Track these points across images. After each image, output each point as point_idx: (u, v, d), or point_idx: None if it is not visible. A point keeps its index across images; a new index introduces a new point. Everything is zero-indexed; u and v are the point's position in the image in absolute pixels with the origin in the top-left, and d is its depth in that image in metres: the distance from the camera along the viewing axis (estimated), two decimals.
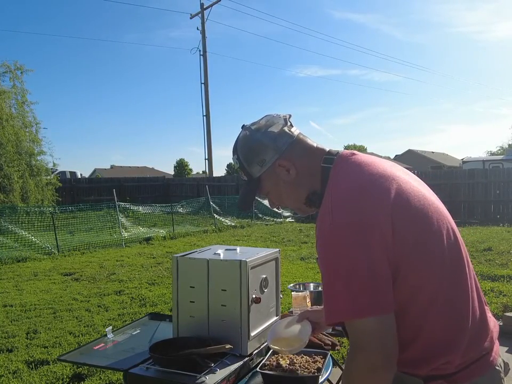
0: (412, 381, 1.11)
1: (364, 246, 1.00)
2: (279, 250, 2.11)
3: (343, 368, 1.09)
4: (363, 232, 1.01)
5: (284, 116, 1.26)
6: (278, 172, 1.21)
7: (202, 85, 23.11)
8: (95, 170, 48.37)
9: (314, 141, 1.26)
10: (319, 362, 1.79)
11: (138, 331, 2.18)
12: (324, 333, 2.07)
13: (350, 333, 1.04)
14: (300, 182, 1.22)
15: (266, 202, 15.61)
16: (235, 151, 1.27)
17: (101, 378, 3.42)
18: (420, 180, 1.23)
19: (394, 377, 1.04)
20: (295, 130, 1.24)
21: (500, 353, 1.17)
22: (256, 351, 1.86)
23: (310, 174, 1.21)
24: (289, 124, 1.24)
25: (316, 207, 1.22)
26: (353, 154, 1.19)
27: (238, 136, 1.27)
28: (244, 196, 1.31)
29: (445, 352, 1.08)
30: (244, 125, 1.28)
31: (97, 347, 1.97)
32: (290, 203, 1.29)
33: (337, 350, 2.06)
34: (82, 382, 3.40)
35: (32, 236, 9.91)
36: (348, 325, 1.04)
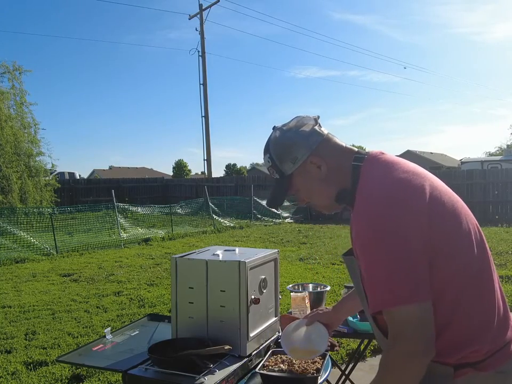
0: (442, 369, 1.14)
1: (404, 237, 1.05)
2: (278, 251, 2.11)
3: (381, 358, 1.14)
4: (402, 224, 1.06)
5: (313, 117, 1.31)
6: (309, 169, 1.25)
7: (201, 85, 23.13)
8: (93, 171, 48.35)
9: (342, 141, 1.31)
10: (318, 363, 1.79)
11: (137, 332, 2.18)
12: None
13: (390, 322, 1.08)
14: (331, 179, 1.26)
15: (264, 203, 15.68)
16: (267, 150, 1.30)
17: (99, 379, 3.42)
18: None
19: None
20: (324, 130, 1.29)
21: None
22: (255, 352, 1.86)
23: (340, 172, 1.25)
24: (318, 123, 1.29)
25: (346, 203, 1.27)
26: (382, 153, 1.25)
27: (269, 136, 1.32)
28: (275, 193, 1.34)
29: (475, 339, 1.13)
30: (274, 126, 1.33)
31: (96, 348, 1.97)
32: (319, 200, 1.32)
33: (336, 350, 2.06)
34: (81, 383, 3.40)
35: (30, 236, 9.90)
36: (388, 314, 1.08)
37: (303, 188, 1.30)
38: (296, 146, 1.25)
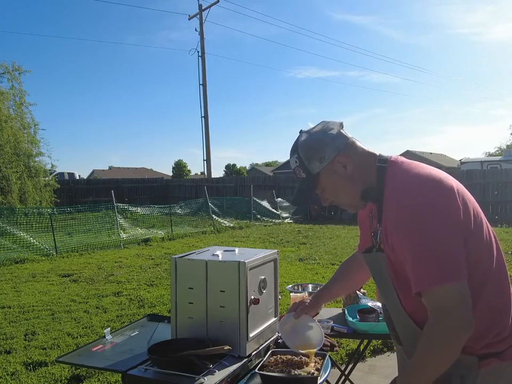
0: (466, 360, 1.21)
1: (445, 221, 1.15)
2: (278, 251, 2.11)
3: (423, 335, 1.19)
4: (442, 211, 1.16)
5: (339, 121, 1.39)
6: (335, 168, 1.33)
7: (201, 86, 23.12)
8: (93, 172, 48.30)
9: (364, 145, 1.39)
10: (318, 363, 1.79)
11: (137, 332, 2.18)
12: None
13: (434, 301, 1.16)
14: (356, 178, 1.33)
15: (264, 203, 15.69)
16: (294, 151, 1.37)
17: (99, 379, 3.41)
18: None
19: None
20: (349, 134, 1.37)
21: None
22: (254, 352, 1.86)
23: (364, 172, 1.33)
24: (343, 128, 1.37)
25: (371, 200, 1.35)
26: (402, 157, 1.35)
27: (297, 139, 1.38)
28: (302, 192, 1.40)
29: (496, 323, 1.23)
30: (301, 130, 1.40)
31: (95, 348, 1.97)
32: (345, 198, 1.39)
33: (336, 351, 2.06)
34: None
35: (30, 237, 9.88)
36: (432, 293, 1.15)
37: (329, 186, 1.37)
38: (324, 147, 1.32)
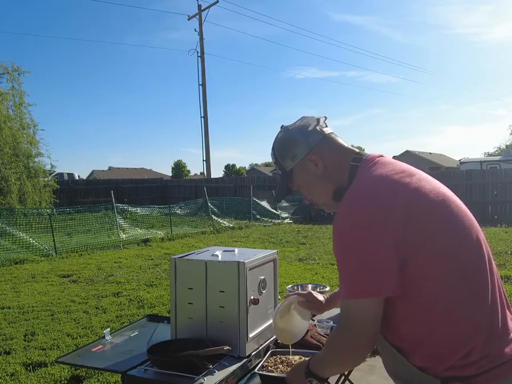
0: (429, 381, 1.11)
1: (373, 232, 1.07)
2: (277, 251, 2.11)
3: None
4: (373, 219, 1.08)
5: (318, 117, 1.36)
6: (307, 166, 1.30)
7: (200, 86, 23.11)
8: (92, 172, 48.34)
9: (346, 141, 1.34)
10: None
11: (136, 333, 2.18)
12: (322, 334, 2.08)
13: (345, 312, 1.15)
14: (328, 177, 1.29)
15: (264, 203, 15.69)
16: (273, 147, 1.37)
17: (99, 380, 3.41)
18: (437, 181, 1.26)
19: (413, 374, 1.12)
20: (327, 130, 1.33)
21: None
22: (254, 353, 1.86)
23: (338, 170, 1.28)
24: (321, 124, 1.33)
25: (340, 201, 1.28)
26: (381, 156, 1.28)
27: (277, 135, 1.38)
28: (279, 188, 1.41)
29: (463, 344, 1.08)
30: (282, 125, 1.39)
31: (95, 349, 1.97)
32: (318, 197, 1.36)
33: None
34: None
35: (29, 237, 9.88)
36: (347, 303, 1.14)
37: (303, 184, 1.34)
38: (296, 144, 1.30)
